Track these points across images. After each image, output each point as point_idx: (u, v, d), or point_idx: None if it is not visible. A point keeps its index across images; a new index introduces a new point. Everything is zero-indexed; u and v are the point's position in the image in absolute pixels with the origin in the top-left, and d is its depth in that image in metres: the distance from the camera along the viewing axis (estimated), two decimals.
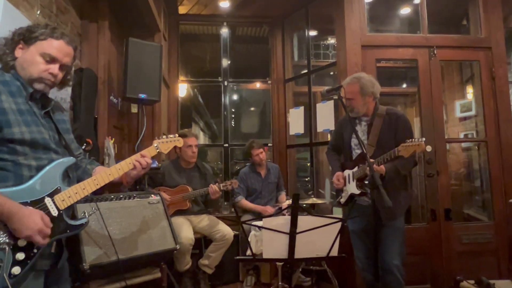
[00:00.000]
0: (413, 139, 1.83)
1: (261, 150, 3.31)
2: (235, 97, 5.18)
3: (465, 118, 4.18)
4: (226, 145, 4.01)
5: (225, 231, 2.82)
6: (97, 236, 1.84)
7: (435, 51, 3.13)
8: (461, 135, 4.25)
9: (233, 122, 5.23)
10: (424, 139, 1.83)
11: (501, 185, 3.07)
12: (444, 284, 2.86)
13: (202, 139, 7.29)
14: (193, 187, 2.90)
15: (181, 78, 4.11)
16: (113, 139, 2.63)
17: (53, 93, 1.35)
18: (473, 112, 3.95)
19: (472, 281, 1.84)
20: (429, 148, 3.00)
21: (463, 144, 4.24)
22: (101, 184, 1.30)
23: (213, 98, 4.39)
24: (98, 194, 1.97)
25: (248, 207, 3.23)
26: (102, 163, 2.45)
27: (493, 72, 3.15)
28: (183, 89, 4.21)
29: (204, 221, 2.92)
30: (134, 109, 3.22)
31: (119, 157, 2.68)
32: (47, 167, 1.19)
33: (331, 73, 4.23)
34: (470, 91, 4.10)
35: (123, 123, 3.15)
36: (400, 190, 2.12)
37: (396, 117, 2.14)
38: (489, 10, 3.21)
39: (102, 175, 1.32)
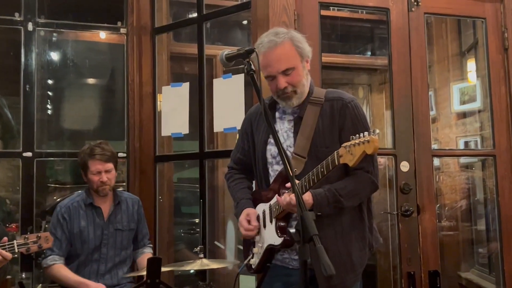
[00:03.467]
0: (363, 134, 1.89)
1: (110, 164, 3.28)
2: (53, 55, 4.93)
3: (464, 115, 4.68)
4: (30, 154, 3.88)
5: None
6: None
7: None
8: (461, 143, 4.74)
9: (48, 107, 4.97)
10: (378, 131, 1.95)
11: None
12: None
13: None
14: None
15: None
16: None
17: None
18: (477, 104, 4.44)
19: None
20: (405, 167, 3.28)
21: (463, 159, 4.73)
22: None
23: (5, 55, 4.21)
24: None
25: (65, 280, 3.12)
26: None
27: (505, 38, 3.58)
28: None
29: None
30: None
31: None
32: None
33: (244, 21, 4.32)
34: (472, 69, 4.62)
35: None
36: (350, 238, 2.23)
37: (342, 104, 2.26)
38: None
39: None
